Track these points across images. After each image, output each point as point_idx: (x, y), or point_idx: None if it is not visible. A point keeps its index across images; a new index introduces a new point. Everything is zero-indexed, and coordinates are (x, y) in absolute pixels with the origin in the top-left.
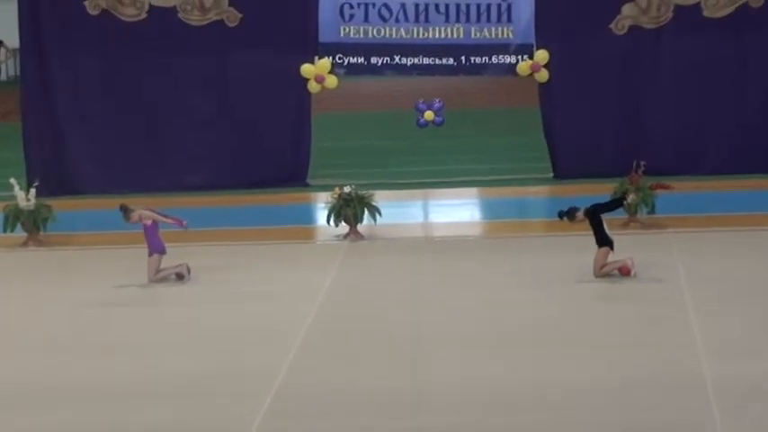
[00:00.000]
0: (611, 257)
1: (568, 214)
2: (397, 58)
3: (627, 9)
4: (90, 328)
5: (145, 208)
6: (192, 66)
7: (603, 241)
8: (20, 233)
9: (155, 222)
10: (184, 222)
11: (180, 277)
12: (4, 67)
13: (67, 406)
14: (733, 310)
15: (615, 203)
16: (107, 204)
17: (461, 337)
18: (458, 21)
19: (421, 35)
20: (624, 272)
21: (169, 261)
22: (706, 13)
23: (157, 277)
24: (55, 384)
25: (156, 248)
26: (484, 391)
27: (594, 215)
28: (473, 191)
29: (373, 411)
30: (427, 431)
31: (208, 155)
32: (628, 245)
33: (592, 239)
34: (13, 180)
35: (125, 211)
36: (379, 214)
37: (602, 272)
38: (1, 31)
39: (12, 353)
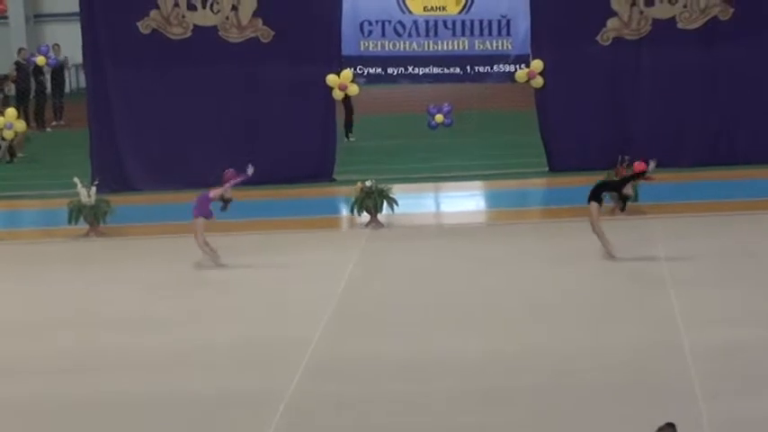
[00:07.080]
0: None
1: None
2: (410, 68)
3: (611, 23)
4: (140, 305)
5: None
6: (231, 77)
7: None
8: (82, 225)
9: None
10: (249, 171)
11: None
12: (67, 80)
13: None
14: (709, 284)
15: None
16: (158, 200)
17: (468, 309)
18: (463, 35)
19: (431, 48)
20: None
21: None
22: (680, 26)
23: (201, 240)
24: (121, 354)
25: (203, 213)
26: (488, 359)
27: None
28: (478, 183)
29: (395, 377)
30: (442, 393)
31: (245, 154)
32: (613, 229)
33: (579, 224)
34: (76, 179)
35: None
36: (397, 204)
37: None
38: (65, 49)
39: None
